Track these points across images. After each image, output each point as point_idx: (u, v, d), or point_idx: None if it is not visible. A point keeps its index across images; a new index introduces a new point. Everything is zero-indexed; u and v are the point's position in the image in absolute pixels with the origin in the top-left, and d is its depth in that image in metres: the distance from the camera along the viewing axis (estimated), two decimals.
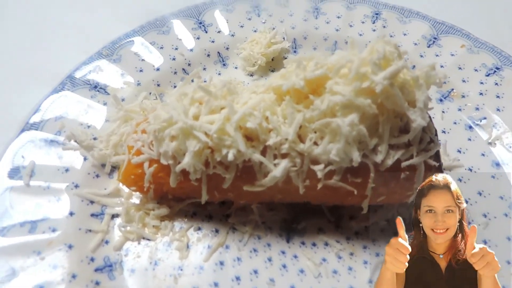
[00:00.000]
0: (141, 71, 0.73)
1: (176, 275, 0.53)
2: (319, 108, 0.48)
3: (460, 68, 0.75)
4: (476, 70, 0.74)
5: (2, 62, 0.76)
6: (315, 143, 0.49)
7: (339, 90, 0.47)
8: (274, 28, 0.81)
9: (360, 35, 0.81)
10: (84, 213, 0.56)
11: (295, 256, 0.55)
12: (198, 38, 0.79)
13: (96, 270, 0.52)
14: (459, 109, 0.72)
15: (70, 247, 0.53)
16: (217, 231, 0.57)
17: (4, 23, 0.85)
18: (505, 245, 0.56)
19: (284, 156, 0.50)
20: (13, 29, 0.84)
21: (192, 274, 0.53)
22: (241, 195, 0.54)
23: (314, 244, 0.56)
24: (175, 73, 0.74)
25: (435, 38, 0.79)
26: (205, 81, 0.74)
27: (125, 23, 0.78)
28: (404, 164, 0.49)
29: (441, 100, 0.73)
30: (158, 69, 0.74)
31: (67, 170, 0.59)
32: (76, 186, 0.58)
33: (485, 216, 0.59)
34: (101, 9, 0.87)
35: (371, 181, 0.50)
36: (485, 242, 0.56)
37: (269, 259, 0.55)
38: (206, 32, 0.80)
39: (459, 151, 0.66)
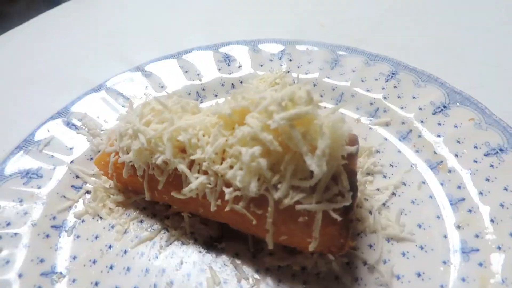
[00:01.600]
0: (162, 87, 0.87)
1: (104, 251, 0.62)
2: (236, 136, 0.53)
3: (458, 142, 0.69)
4: (476, 147, 0.67)
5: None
6: (231, 167, 0.54)
7: (250, 123, 0.51)
8: (289, 71, 0.88)
9: (368, 90, 0.81)
10: (67, 183, 0.71)
11: (202, 270, 0.59)
12: (219, 69, 0.90)
13: (52, 226, 0.65)
14: (441, 184, 0.66)
15: (44, 203, 0.67)
16: (153, 227, 0.65)
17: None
18: None
19: (205, 173, 0.56)
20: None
21: (116, 254, 0.62)
22: (173, 200, 0.61)
23: (224, 265, 0.59)
24: (189, 94, 0.87)
25: (444, 107, 0.74)
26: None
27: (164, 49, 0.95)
28: (298, 207, 0.50)
29: (426, 170, 0.68)
30: (177, 88, 0.87)
31: (71, 148, 0.75)
32: (72, 162, 0.73)
33: None
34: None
35: (269, 215, 0.52)
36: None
37: (179, 265, 0.60)
38: (229, 65, 0.91)
39: (420, 226, 0.61)
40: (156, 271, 0.59)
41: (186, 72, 0.90)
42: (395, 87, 0.81)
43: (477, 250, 0.56)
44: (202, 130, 0.58)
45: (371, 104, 0.80)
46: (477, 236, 0.58)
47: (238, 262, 0.59)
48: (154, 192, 0.62)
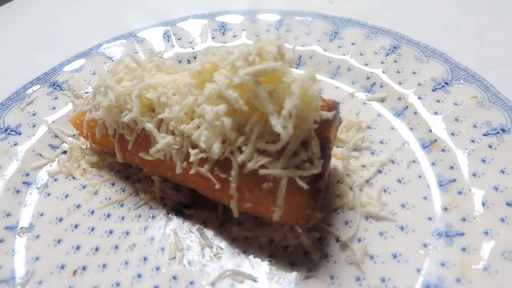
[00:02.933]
0: (151, 52, 0.85)
1: (72, 210, 0.61)
2: (204, 95, 0.50)
3: (456, 120, 0.63)
4: (475, 126, 0.61)
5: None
6: (199, 128, 0.51)
7: (217, 79, 0.48)
8: (286, 41, 0.83)
9: (366, 64, 0.76)
10: (45, 142, 0.70)
11: (166, 235, 0.56)
12: (213, 38, 0.87)
13: (24, 182, 0.64)
14: (432, 164, 0.60)
15: (18, 160, 0.66)
16: (123, 190, 0.63)
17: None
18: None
19: (172, 133, 0.53)
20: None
21: (83, 214, 0.60)
22: (143, 162, 0.59)
23: (190, 231, 0.56)
24: (180, 61, 0.84)
25: (446, 83, 0.68)
26: None
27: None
28: (262, 171, 0.46)
29: (418, 149, 0.63)
30: (162, 55, 0.84)
31: (54, 108, 0.74)
32: (53, 122, 0.72)
33: (383, 280, 0.49)
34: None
35: (233, 179, 0.48)
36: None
37: (144, 228, 0.57)
38: (223, 34, 0.88)
39: (403, 206, 0.56)
40: (119, 232, 0.57)
41: (179, 39, 0.87)
42: (395, 61, 0.75)
43: (462, 234, 0.51)
44: (173, 89, 0.55)
45: (368, 79, 0.74)
46: (464, 219, 0.52)
47: (205, 230, 0.56)
48: (125, 153, 0.60)
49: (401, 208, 0.56)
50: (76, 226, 0.58)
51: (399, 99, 0.70)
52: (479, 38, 0.82)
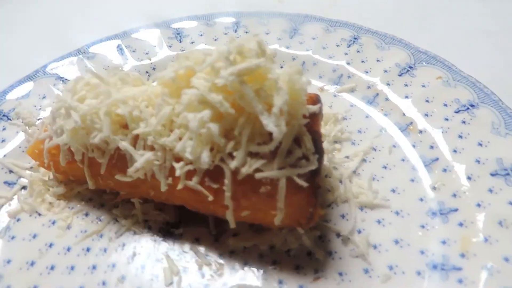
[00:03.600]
0: (106, 68, 0.79)
1: (44, 250, 0.54)
2: (183, 102, 0.46)
3: (427, 101, 0.65)
4: (445, 105, 0.64)
5: None
6: (180, 139, 0.47)
7: (196, 84, 0.45)
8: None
9: (330, 57, 0.76)
10: None
11: (158, 260, 0.52)
12: (170, 46, 0.83)
13: None
14: (413, 146, 0.62)
15: None
16: (100, 219, 0.57)
17: None
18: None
19: (151, 148, 0.49)
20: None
21: (58, 253, 0.53)
22: (120, 185, 0.54)
23: (183, 252, 0.52)
24: (138, 72, 0.79)
25: (410, 67, 0.70)
26: None
27: (105, 29, 0.86)
28: (258, 175, 0.44)
29: (396, 133, 0.64)
30: (123, 69, 0.79)
31: (3, 140, 0.66)
32: (5, 156, 0.64)
33: (390, 268, 0.49)
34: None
35: (227, 188, 0.45)
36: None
37: (131, 257, 0.52)
38: (180, 41, 0.84)
39: (394, 191, 0.57)
40: (104, 266, 0.51)
41: (134, 51, 0.82)
42: (358, 51, 0.76)
43: (456, 210, 0.52)
44: (145, 101, 0.51)
45: (334, 71, 0.75)
46: (454, 195, 0.54)
47: (199, 247, 0.52)
48: (98, 178, 0.55)
49: (392, 193, 0.56)
50: (52, 268, 0.52)
51: (369, 87, 0.71)
52: (431, 19, 0.87)
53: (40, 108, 0.71)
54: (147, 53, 0.82)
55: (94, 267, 0.51)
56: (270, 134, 0.45)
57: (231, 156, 0.45)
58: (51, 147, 0.56)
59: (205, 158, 0.44)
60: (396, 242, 0.51)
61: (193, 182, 0.47)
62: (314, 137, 0.46)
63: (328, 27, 0.82)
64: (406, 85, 0.68)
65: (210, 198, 0.46)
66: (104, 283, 0.50)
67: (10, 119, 0.69)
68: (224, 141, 0.44)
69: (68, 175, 0.59)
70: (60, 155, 0.55)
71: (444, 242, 0.50)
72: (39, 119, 0.69)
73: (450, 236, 0.50)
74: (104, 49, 0.82)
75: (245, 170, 0.44)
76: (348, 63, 0.75)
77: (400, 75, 0.70)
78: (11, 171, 0.63)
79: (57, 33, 0.93)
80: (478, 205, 0.51)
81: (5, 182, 0.62)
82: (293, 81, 0.43)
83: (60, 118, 0.54)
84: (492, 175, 0.54)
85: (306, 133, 0.45)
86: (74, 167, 0.56)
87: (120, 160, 0.51)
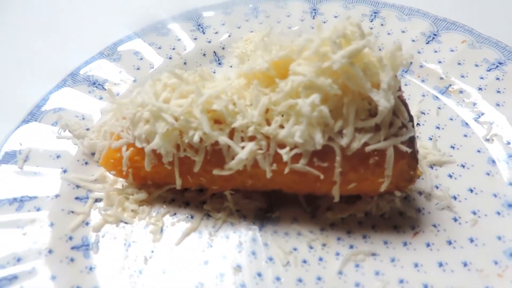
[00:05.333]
0: (138, 69, 0.77)
1: (147, 256, 0.54)
2: (283, 90, 0.48)
3: (459, 64, 0.72)
4: (476, 65, 0.71)
5: (11, 59, 0.84)
6: (281, 126, 0.49)
7: (301, 71, 0.47)
8: (271, 28, 0.83)
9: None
10: (69, 196, 0.59)
11: (266, 244, 0.54)
12: (195, 39, 0.82)
13: (73, 248, 0.54)
14: (457, 105, 0.68)
15: (51, 225, 0.55)
16: (192, 217, 0.58)
17: (14, 23, 0.94)
18: (494, 244, 0.52)
19: (251, 139, 0.50)
20: (23, 28, 0.93)
21: (163, 256, 0.54)
22: (213, 180, 0.55)
23: (286, 233, 0.55)
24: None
25: (435, 35, 0.77)
26: None
27: (128, 27, 0.83)
28: (368, 148, 0.47)
29: (438, 96, 0.70)
30: (155, 68, 0.77)
31: (58, 156, 0.63)
32: (65, 171, 0.62)
33: (474, 213, 0.55)
34: (105, 13, 0.94)
35: (337, 165, 0.48)
36: (471, 240, 0.52)
37: (239, 246, 0.54)
38: (204, 33, 0.83)
39: (453, 147, 0.63)
40: (217, 259, 0.53)
41: (160, 48, 0.81)
42: (381, 25, 0.81)
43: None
44: (235, 94, 0.52)
45: (369, 39, 0.79)
46: (508, 143, 0.61)
47: (300, 226, 0.55)
48: (187, 177, 0.55)
49: (452, 149, 0.63)
50: (163, 272, 0.52)
51: None
52: None
53: (83, 118, 0.69)
54: (173, 49, 0.81)
55: (206, 262, 0.53)
56: (369, 109, 0.48)
57: (339, 134, 0.48)
58: (132, 153, 0.55)
59: (319, 139, 0.46)
60: (471, 190, 0.57)
61: (300, 165, 0.49)
62: (405, 107, 0.51)
63: (346, 4, 0.85)
64: (436, 51, 0.75)
65: (322, 177, 0.49)
66: (222, 275, 0.51)
67: (58, 134, 0.66)
68: (332, 121, 0.47)
69: (148, 180, 0.59)
70: (145, 160, 0.54)
71: (511, 183, 0.57)
72: (87, 129, 0.67)
73: None
74: (128, 49, 0.80)
75: (356, 145, 0.47)
76: (376, 36, 0.79)
77: (427, 43, 0.76)
78: (77, 186, 0.61)
79: (76, 33, 0.88)
80: None
81: (76, 198, 0.60)
82: (395, 57, 0.46)
83: (142, 123, 0.53)
84: None
85: (401, 104, 0.50)
86: (159, 171, 0.56)
87: (215, 156, 0.52)
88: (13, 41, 0.90)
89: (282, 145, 0.49)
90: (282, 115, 0.49)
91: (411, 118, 0.50)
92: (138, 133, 0.53)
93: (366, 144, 0.48)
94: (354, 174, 0.50)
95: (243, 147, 0.50)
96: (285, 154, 0.49)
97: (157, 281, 0.51)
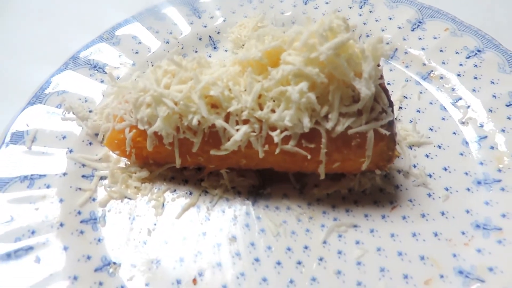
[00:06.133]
0: (136, 53, 0.80)
1: (150, 229, 0.59)
2: (275, 78, 0.52)
3: (441, 51, 0.76)
4: (457, 52, 0.75)
5: (13, 43, 0.87)
6: (273, 111, 0.54)
7: (291, 60, 0.51)
8: (265, 13, 0.86)
9: (347, 19, 0.84)
10: (76, 174, 0.64)
11: (258, 217, 0.60)
12: (191, 23, 0.85)
13: (82, 221, 0.59)
14: (437, 90, 0.73)
15: (61, 201, 0.60)
16: (190, 193, 0.63)
17: (15, 8, 0.96)
18: (463, 216, 0.58)
19: (245, 122, 0.55)
20: (25, 16, 0.95)
21: (165, 229, 0.59)
22: (210, 160, 0.60)
23: (277, 208, 0.61)
24: (168, 53, 0.81)
25: (420, 22, 0.81)
26: None
27: (125, 11, 0.85)
28: (351, 131, 0.52)
29: (420, 81, 0.75)
30: (153, 52, 0.81)
31: (64, 137, 0.67)
32: (71, 151, 0.66)
33: (447, 189, 0.61)
34: None
35: (323, 146, 0.53)
36: (442, 213, 0.58)
37: (234, 219, 0.60)
38: (200, 17, 0.86)
39: (431, 129, 0.68)
40: (214, 231, 0.58)
41: (157, 32, 0.84)
42: (370, 11, 0.84)
43: (485, 136, 0.65)
44: (230, 80, 0.56)
45: (353, 32, 0.82)
46: (481, 125, 0.67)
47: (289, 201, 0.61)
48: (186, 157, 0.60)
49: (430, 131, 0.68)
50: (166, 242, 0.57)
51: (387, 43, 0.80)
52: None
53: (86, 100, 0.72)
54: (170, 33, 0.84)
55: (204, 234, 0.58)
56: (353, 96, 0.53)
57: (325, 118, 0.53)
58: (135, 135, 0.59)
59: (307, 123, 0.51)
60: (445, 169, 0.63)
61: (290, 146, 0.54)
62: (385, 93, 0.55)
63: None
64: (420, 38, 0.79)
65: (309, 156, 0.54)
66: (219, 244, 0.57)
67: (63, 115, 0.69)
68: (319, 106, 0.52)
69: (149, 159, 0.64)
70: (147, 141, 0.59)
71: (481, 163, 0.63)
72: (90, 111, 0.71)
73: (485, 158, 0.63)
74: (127, 33, 0.83)
75: (340, 128, 0.52)
76: (364, 23, 0.83)
77: (412, 30, 0.80)
78: (83, 165, 0.65)
79: (75, 17, 0.90)
80: (502, 130, 0.65)
81: (83, 176, 0.64)
82: (376, 49, 0.51)
83: (144, 107, 0.57)
84: (507, 105, 0.67)
85: (381, 90, 0.54)
86: (160, 151, 0.60)
87: (212, 137, 0.57)
88: (13, 25, 0.92)
89: (273, 128, 0.54)
90: (274, 101, 0.54)
91: (391, 104, 0.55)
92: (140, 116, 0.57)
93: (349, 127, 0.53)
94: (338, 155, 0.55)
95: (237, 130, 0.55)
96: (276, 136, 0.54)
97: (160, 250, 0.57)
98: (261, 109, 0.54)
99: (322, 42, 0.49)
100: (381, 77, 0.56)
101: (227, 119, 0.55)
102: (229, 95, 0.55)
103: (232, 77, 0.56)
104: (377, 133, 0.54)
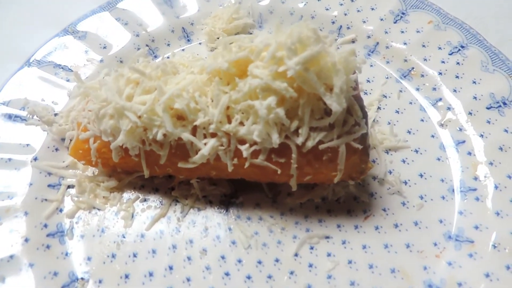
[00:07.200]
0: (104, 47, 0.76)
1: (119, 241, 0.58)
2: (242, 90, 0.50)
3: (423, 46, 0.73)
4: (440, 48, 0.72)
5: None
6: (242, 123, 0.51)
7: (258, 74, 0.48)
8: (240, 3, 0.81)
9: (327, 9, 0.80)
10: (41, 184, 0.61)
11: (229, 229, 0.58)
12: (163, 14, 0.80)
13: (48, 235, 0.58)
14: (417, 89, 0.71)
15: (26, 214, 0.58)
16: (161, 203, 0.61)
17: None
18: (436, 227, 0.57)
19: (213, 135, 0.52)
20: None
21: (134, 241, 0.58)
22: (179, 170, 0.57)
23: (249, 218, 0.59)
24: (138, 49, 0.76)
25: (403, 14, 0.77)
26: (167, 57, 0.76)
27: (92, 0, 0.80)
28: (322, 146, 0.50)
29: (400, 79, 0.72)
30: (122, 46, 0.76)
31: (28, 144, 0.64)
32: (35, 159, 0.63)
33: (421, 198, 0.60)
34: None
35: (294, 161, 0.51)
36: (415, 223, 0.58)
37: (205, 230, 0.59)
38: (172, 7, 0.81)
39: (409, 132, 0.66)
40: (183, 244, 0.57)
41: (126, 24, 0.78)
42: (352, 1, 0.80)
43: (464, 141, 0.64)
44: (197, 91, 0.53)
45: (333, 23, 0.79)
46: (460, 129, 0.65)
47: (261, 211, 0.60)
48: (154, 167, 0.58)
49: (408, 134, 0.66)
50: (135, 255, 0.56)
51: (368, 37, 0.76)
52: None
53: (53, 102, 0.69)
54: (140, 25, 0.79)
55: (174, 247, 0.57)
56: (325, 108, 0.51)
57: (295, 133, 0.50)
58: (100, 146, 0.57)
59: (276, 139, 0.49)
60: (421, 175, 0.62)
61: (260, 160, 0.52)
62: (359, 103, 0.53)
63: None
64: (402, 31, 0.75)
65: (279, 171, 0.53)
66: (189, 258, 0.56)
67: (26, 120, 0.66)
68: (288, 122, 0.49)
69: (117, 168, 0.61)
70: (112, 153, 0.56)
71: (458, 170, 0.62)
72: (55, 114, 0.67)
73: (462, 164, 0.62)
74: (94, 25, 0.77)
75: (310, 144, 0.50)
76: (345, 14, 0.79)
77: (395, 22, 0.76)
78: (49, 174, 0.63)
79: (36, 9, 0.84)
80: (481, 135, 0.63)
81: (49, 185, 0.62)
82: (348, 62, 0.48)
83: (106, 118, 0.54)
84: (487, 108, 0.65)
85: (355, 103, 0.52)
86: (126, 161, 0.58)
87: (180, 149, 0.54)
88: None
89: (242, 141, 0.52)
90: (243, 113, 0.51)
91: (364, 115, 0.53)
92: (103, 128, 0.55)
93: (320, 142, 0.51)
94: (310, 168, 0.53)
95: (205, 144, 0.52)
96: (245, 150, 0.51)
97: (128, 265, 0.56)
98: (229, 121, 0.52)
99: (290, 56, 0.46)
100: (356, 87, 0.53)
101: (194, 131, 0.53)
102: (195, 107, 0.52)
103: (198, 87, 0.53)
104: (349, 146, 0.52)
